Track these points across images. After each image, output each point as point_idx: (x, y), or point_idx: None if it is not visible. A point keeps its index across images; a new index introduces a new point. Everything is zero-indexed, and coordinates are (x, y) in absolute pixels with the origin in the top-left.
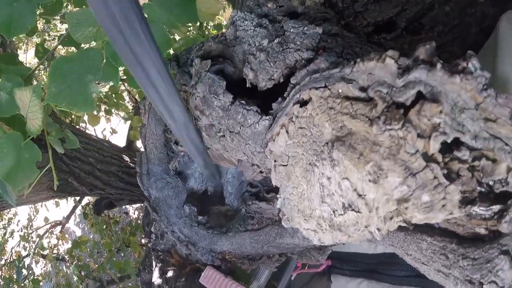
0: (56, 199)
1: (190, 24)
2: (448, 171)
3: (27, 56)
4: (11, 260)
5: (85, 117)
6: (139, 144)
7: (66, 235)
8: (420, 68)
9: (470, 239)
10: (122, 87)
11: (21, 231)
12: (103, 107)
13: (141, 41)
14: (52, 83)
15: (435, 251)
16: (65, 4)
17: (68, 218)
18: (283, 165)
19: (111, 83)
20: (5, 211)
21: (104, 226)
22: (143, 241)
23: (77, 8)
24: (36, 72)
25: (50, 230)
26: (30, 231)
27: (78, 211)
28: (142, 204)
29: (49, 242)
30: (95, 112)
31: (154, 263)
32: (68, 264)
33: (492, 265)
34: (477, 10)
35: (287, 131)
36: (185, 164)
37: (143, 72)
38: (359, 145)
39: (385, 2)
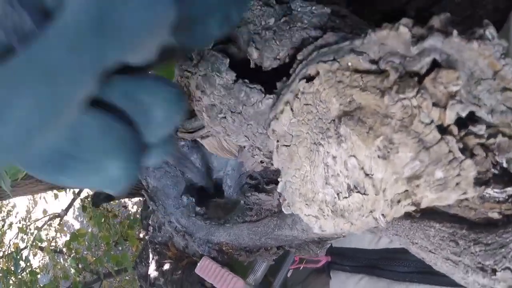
0: (55, 191)
1: None
2: (463, 147)
3: None
4: (9, 252)
5: None
6: None
7: (65, 228)
8: (435, 35)
9: (482, 225)
10: None
11: (20, 223)
12: None
13: None
14: None
15: (444, 237)
16: None
17: (66, 210)
18: (286, 146)
19: None
20: (4, 203)
21: (103, 220)
22: (141, 235)
23: None
24: None
25: (48, 223)
26: (29, 223)
27: (77, 204)
28: (141, 198)
29: (47, 234)
30: None
31: (151, 256)
32: (66, 257)
33: (506, 250)
34: (488, 2)
35: (291, 109)
36: (184, 155)
37: None
38: (369, 119)
39: None
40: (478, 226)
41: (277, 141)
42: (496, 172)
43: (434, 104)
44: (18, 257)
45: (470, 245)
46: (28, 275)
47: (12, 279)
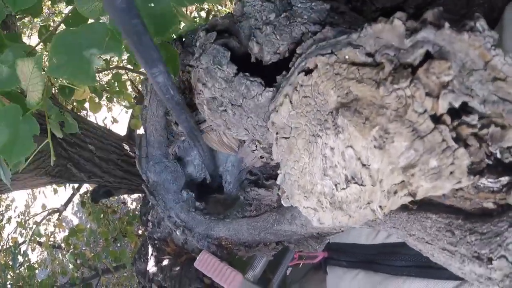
0: (54, 186)
1: (196, 15)
2: (457, 136)
3: (31, 42)
4: (7, 246)
5: (87, 104)
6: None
7: (63, 223)
8: (428, 27)
9: (478, 215)
10: (125, 77)
11: (18, 217)
12: (105, 94)
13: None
14: (54, 54)
15: (440, 228)
16: None
17: (65, 205)
18: (285, 138)
19: (113, 72)
20: (3, 197)
21: (102, 215)
22: (139, 232)
23: None
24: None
25: (47, 218)
26: (27, 218)
27: (76, 199)
28: (140, 194)
29: (46, 229)
30: (96, 100)
31: (150, 252)
32: (64, 252)
33: (502, 238)
34: (485, 1)
35: (290, 101)
36: (184, 150)
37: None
38: (365, 109)
39: None
40: (473, 216)
41: (277, 133)
42: (490, 162)
43: (427, 94)
44: (16, 251)
45: (466, 234)
46: (26, 270)
47: (10, 274)
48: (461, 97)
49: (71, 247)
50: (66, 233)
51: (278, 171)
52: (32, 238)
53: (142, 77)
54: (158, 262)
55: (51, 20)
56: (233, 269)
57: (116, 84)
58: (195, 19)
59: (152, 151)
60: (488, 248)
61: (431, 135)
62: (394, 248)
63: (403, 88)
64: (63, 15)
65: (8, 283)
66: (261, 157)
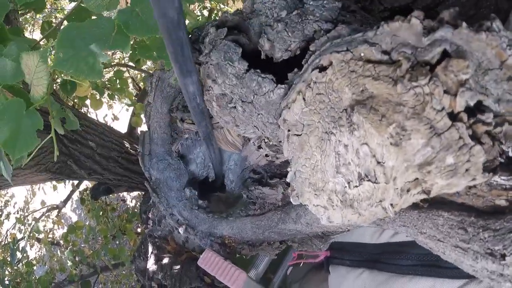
0: (54, 182)
1: (199, 13)
2: (472, 134)
3: (32, 37)
4: (6, 242)
5: (88, 101)
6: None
7: (62, 220)
8: (445, 27)
9: (490, 212)
10: (127, 74)
11: (17, 213)
12: (106, 91)
13: None
14: (60, 49)
15: (453, 226)
16: None
17: (65, 202)
18: (297, 135)
19: (115, 69)
20: (2, 193)
21: (101, 213)
22: (139, 230)
23: None
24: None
25: (46, 214)
26: (26, 214)
27: (76, 196)
28: (140, 192)
29: (45, 225)
30: (97, 96)
31: (150, 250)
32: (62, 249)
33: None
34: (491, 3)
35: (303, 98)
36: (187, 148)
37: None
38: (381, 107)
39: None
40: (486, 213)
41: (288, 130)
42: (503, 160)
43: (445, 92)
44: (15, 247)
45: (479, 231)
46: (24, 266)
47: (8, 270)
48: (476, 96)
49: (70, 244)
50: (65, 230)
51: (288, 169)
52: (31, 234)
53: (143, 74)
54: (158, 260)
55: (53, 16)
56: (237, 268)
57: (117, 82)
58: (198, 17)
59: (156, 148)
60: (501, 244)
61: (448, 133)
62: (399, 247)
63: (421, 85)
64: (66, 11)
65: (6, 279)
66: (266, 155)
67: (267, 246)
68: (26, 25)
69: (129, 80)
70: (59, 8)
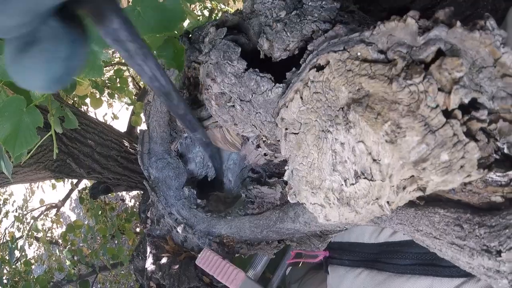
0: (53, 181)
1: (200, 13)
2: (467, 131)
3: None
4: (4, 241)
5: (88, 100)
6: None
7: (61, 219)
8: (440, 26)
9: (486, 209)
10: (126, 73)
11: (16, 212)
12: (106, 90)
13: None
14: None
15: (449, 223)
16: None
17: (64, 201)
18: (294, 133)
19: (115, 68)
20: (1, 191)
21: (100, 212)
22: (138, 229)
23: None
24: None
25: (45, 213)
26: (25, 213)
27: (74, 195)
28: (139, 192)
29: (44, 224)
30: (97, 95)
31: (148, 249)
32: (61, 248)
33: (510, 231)
34: (489, 3)
35: (301, 97)
36: (187, 147)
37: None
38: (377, 105)
39: None
40: (481, 210)
41: (286, 129)
42: (498, 157)
43: (439, 90)
44: (13, 246)
45: (475, 228)
46: (23, 265)
47: (6, 269)
48: (471, 93)
49: (69, 243)
50: (64, 229)
51: (286, 167)
52: (30, 233)
53: None
54: (156, 260)
55: None
56: (235, 267)
57: (117, 80)
58: (199, 17)
59: (155, 147)
60: (497, 241)
61: (442, 130)
62: (397, 246)
63: (416, 83)
64: None
65: (4, 278)
66: (265, 154)
67: (265, 245)
68: None
69: (129, 79)
70: None
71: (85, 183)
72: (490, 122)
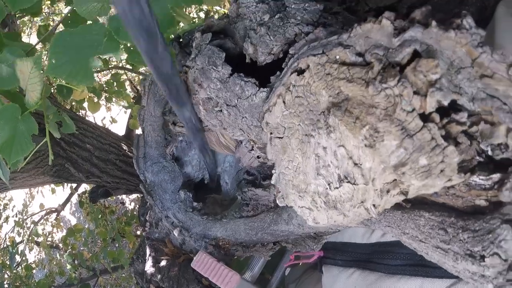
0: (53, 186)
1: (195, 16)
2: (446, 134)
3: (30, 40)
4: (5, 246)
5: (85, 104)
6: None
7: (61, 223)
8: (415, 26)
9: (470, 213)
10: (124, 77)
11: (16, 216)
12: (104, 94)
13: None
14: (53, 55)
15: (433, 226)
16: None
17: (63, 205)
18: (279, 138)
19: (112, 72)
20: (1, 196)
21: (100, 215)
22: (138, 232)
23: None
24: (38, 51)
25: (45, 217)
26: (25, 217)
27: (74, 200)
28: (138, 195)
29: (44, 229)
30: (95, 99)
31: (147, 252)
32: (62, 252)
33: (494, 235)
34: (477, 0)
35: (283, 101)
36: (182, 151)
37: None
38: (355, 109)
39: None
40: (466, 214)
41: (271, 133)
42: (481, 159)
43: (415, 93)
44: (14, 251)
45: (459, 232)
46: (24, 270)
47: (7, 273)
48: (449, 95)
49: (69, 247)
50: (64, 233)
51: (273, 171)
52: (30, 237)
53: (141, 77)
54: (156, 262)
55: (51, 20)
56: (230, 269)
57: (115, 84)
58: (194, 20)
59: (150, 151)
60: (480, 246)
61: (420, 134)
62: (388, 247)
63: (391, 87)
64: (63, 14)
65: (5, 282)
66: (258, 157)
67: (260, 247)
68: (24, 28)
69: (127, 83)
70: (57, 11)
71: (85, 187)
72: (472, 125)
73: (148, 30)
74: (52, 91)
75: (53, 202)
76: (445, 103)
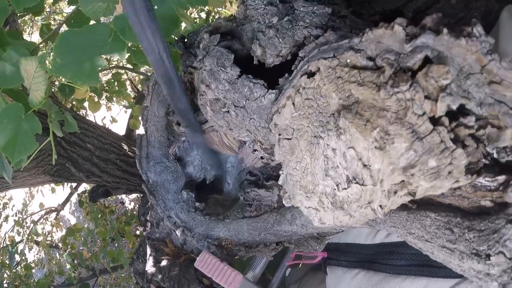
0: (53, 185)
1: (197, 16)
2: (455, 137)
3: (31, 39)
4: (4, 245)
5: (86, 104)
6: (138, 133)
7: (61, 223)
8: (427, 33)
9: (475, 213)
10: (125, 76)
11: (16, 216)
12: (104, 94)
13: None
14: (58, 55)
15: (440, 226)
16: None
17: (63, 205)
18: (287, 139)
19: (113, 72)
20: (0, 195)
21: (99, 215)
22: (137, 232)
23: None
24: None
25: (45, 217)
26: (25, 217)
27: (74, 199)
28: (138, 195)
29: (43, 228)
30: (96, 99)
31: (148, 252)
32: (61, 252)
33: (499, 235)
34: (482, 5)
35: (293, 103)
36: (185, 151)
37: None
38: (366, 112)
39: None
40: (471, 214)
41: (279, 134)
42: (487, 162)
43: (426, 97)
44: (13, 250)
45: (465, 232)
46: (23, 269)
47: (6, 273)
48: (458, 100)
49: (69, 246)
50: (64, 232)
51: (280, 172)
52: (29, 237)
53: (141, 76)
54: (156, 262)
55: (52, 18)
56: (233, 269)
57: (115, 84)
58: (196, 20)
59: (153, 151)
60: (486, 245)
61: (430, 137)
62: (393, 247)
63: (403, 91)
64: (64, 13)
65: (4, 282)
66: (262, 157)
67: (263, 247)
68: (25, 27)
69: (127, 82)
70: (58, 10)
71: (85, 186)
72: (479, 128)
73: (170, 78)
74: (53, 89)
75: (52, 201)
76: (454, 107)
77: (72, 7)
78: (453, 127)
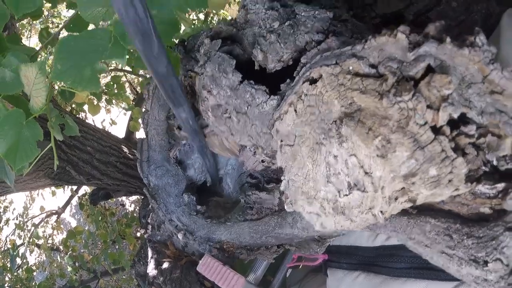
0: (53, 188)
1: (195, 17)
2: (455, 146)
3: (30, 43)
4: (6, 248)
5: (85, 107)
6: (138, 135)
7: (62, 226)
8: (430, 42)
9: (475, 220)
10: (124, 79)
11: (16, 219)
12: (104, 97)
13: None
14: (58, 60)
15: (439, 232)
16: None
17: (64, 208)
18: (289, 145)
19: (112, 74)
20: (1, 199)
21: (100, 217)
22: (138, 234)
23: None
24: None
25: (45, 220)
26: (26, 220)
27: (75, 202)
28: (138, 197)
29: (44, 231)
30: (95, 102)
31: (149, 255)
32: (62, 255)
33: (497, 242)
34: (482, 7)
35: (295, 110)
36: (185, 154)
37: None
38: (368, 120)
39: None
40: (470, 220)
41: (281, 140)
42: (487, 169)
43: (428, 107)
44: (15, 253)
45: (464, 238)
46: (24, 272)
47: (8, 276)
48: (460, 109)
49: (70, 249)
50: (65, 235)
51: (282, 177)
52: (30, 240)
53: (140, 79)
54: (158, 265)
55: (50, 22)
56: (236, 273)
57: (115, 86)
58: (194, 21)
59: (154, 155)
60: (484, 251)
61: (431, 146)
62: (393, 250)
63: (405, 100)
64: (62, 17)
65: (6, 285)
66: (262, 161)
67: (265, 250)
68: (23, 31)
69: (126, 85)
70: (56, 14)
71: (85, 189)
72: (479, 136)
73: (143, 31)
74: (54, 93)
75: (53, 204)
76: (455, 116)
77: (71, 11)
78: (454, 136)
